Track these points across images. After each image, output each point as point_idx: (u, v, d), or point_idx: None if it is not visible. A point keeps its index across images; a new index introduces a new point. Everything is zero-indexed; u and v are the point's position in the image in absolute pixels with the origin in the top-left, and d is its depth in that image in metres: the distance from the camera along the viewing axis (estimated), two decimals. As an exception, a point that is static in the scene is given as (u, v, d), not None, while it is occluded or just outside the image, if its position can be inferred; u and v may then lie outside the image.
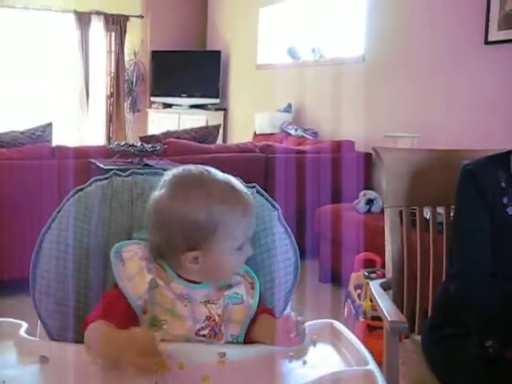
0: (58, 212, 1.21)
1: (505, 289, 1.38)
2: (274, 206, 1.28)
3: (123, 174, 1.29)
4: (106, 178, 1.27)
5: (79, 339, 1.10)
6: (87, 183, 1.26)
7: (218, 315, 1.10)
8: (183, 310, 1.08)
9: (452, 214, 1.58)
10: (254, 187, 1.29)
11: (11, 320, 1.14)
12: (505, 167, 1.47)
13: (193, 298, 1.09)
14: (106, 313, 1.06)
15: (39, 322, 1.20)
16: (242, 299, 1.12)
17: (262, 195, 1.29)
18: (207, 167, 1.14)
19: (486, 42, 3.59)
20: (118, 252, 1.13)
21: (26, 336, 1.10)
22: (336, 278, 3.50)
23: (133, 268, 1.11)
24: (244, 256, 1.13)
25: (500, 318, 1.35)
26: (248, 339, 1.12)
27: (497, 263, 1.41)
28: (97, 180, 1.27)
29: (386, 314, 1.46)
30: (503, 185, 1.44)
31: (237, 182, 1.14)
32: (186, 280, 1.11)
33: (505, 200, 1.43)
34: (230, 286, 1.13)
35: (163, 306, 1.08)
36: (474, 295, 1.41)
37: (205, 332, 1.08)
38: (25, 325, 1.13)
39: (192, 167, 1.13)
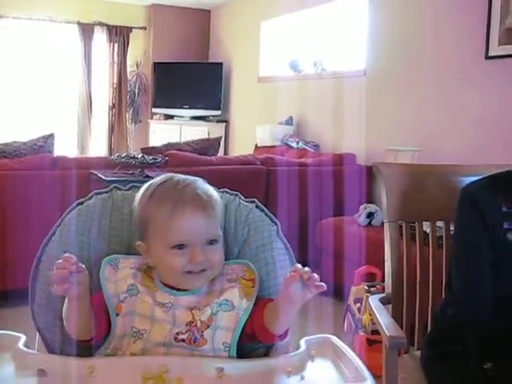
0: (59, 225, 1.22)
1: (504, 315, 1.35)
2: (273, 221, 1.28)
3: (123, 188, 1.29)
4: (106, 192, 1.28)
5: (79, 353, 1.11)
6: (88, 196, 1.27)
7: (201, 321, 1.10)
8: (162, 314, 1.10)
9: (452, 233, 1.54)
10: (253, 202, 1.29)
11: (10, 332, 1.14)
12: (506, 189, 1.39)
13: (177, 304, 1.11)
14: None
15: (37, 334, 1.21)
16: (233, 306, 1.12)
17: (262, 210, 1.29)
18: (182, 176, 1.18)
19: (487, 57, 3.60)
20: (115, 261, 1.16)
21: (24, 349, 1.10)
22: (337, 292, 3.48)
23: (121, 274, 1.14)
24: (190, 258, 1.10)
25: (500, 343, 1.32)
26: (262, 329, 1.12)
27: (497, 289, 1.37)
28: (97, 193, 1.28)
29: (385, 329, 1.45)
30: (504, 209, 1.37)
31: (196, 186, 1.15)
32: (173, 288, 1.13)
33: (505, 225, 1.36)
34: (220, 292, 1.13)
35: (142, 314, 1.10)
36: (474, 320, 1.38)
37: (184, 336, 1.09)
38: (23, 337, 1.13)
39: (167, 175, 1.19)
